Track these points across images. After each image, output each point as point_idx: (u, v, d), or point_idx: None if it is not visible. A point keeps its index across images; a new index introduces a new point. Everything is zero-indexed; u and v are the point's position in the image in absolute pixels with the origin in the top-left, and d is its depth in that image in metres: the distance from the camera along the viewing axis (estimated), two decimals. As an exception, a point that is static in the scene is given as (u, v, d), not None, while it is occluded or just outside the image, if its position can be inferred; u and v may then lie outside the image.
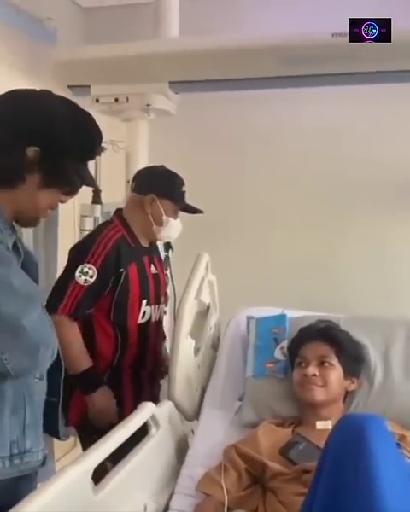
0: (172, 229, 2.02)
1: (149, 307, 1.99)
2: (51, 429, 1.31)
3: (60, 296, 1.82)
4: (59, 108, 1.17)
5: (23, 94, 1.18)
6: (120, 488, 1.33)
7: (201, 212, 2.11)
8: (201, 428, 1.81)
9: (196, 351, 1.90)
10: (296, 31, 2.34)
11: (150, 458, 1.53)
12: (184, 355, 1.79)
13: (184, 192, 2.04)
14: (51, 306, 1.70)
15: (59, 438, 1.34)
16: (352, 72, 2.33)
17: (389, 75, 2.33)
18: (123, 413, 1.93)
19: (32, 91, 1.19)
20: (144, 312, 1.98)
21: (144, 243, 2.04)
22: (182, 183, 2.04)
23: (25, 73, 2.50)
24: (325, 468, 1.06)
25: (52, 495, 1.05)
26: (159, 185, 2.00)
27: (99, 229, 1.99)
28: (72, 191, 1.22)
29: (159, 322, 2.09)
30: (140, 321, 1.97)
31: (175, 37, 2.63)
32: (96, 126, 1.22)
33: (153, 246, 2.11)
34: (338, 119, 2.91)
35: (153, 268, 2.04)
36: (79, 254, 1.88)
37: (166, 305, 2.14)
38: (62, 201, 1.24)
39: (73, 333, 1.85)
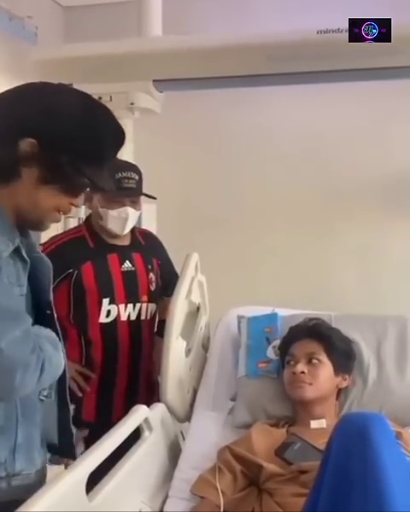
0: (112, 219, 1.92)
1: (114, 306, 1.94)
2: (67, 449, 1.28)
3: None
4: (65, 101, 1.09)
5: (29, 86, 1.10)
6: (114, 494, 1.30)
7: (149, 196, 2.00)
8: (193, 430, 1.79)
9: (188, 352, 1.88)
10: (281, 28, 2.33)
11: (144, 462, 1.51)
12: (176, 356, 1.76)
13: (120, 179, 1.90)
14: None
15: (75, 458, 1.29)
16: (338, 70, 2.33)
17: (376, 72, 2.32)
18: (82, 415, 1.94)
19: (43, 84, 1.12)
20: (109, 311, 1.94)
21: (118, 241, 1.99)
22: (116, 170, 1.90)
23: (5, 73, 2.46)
24: (329, 467, 1.05)
25: (46, 504, 1.02)
26: None
27: (58, 234, 1.99)
28: (72, 190, 1.13)
29: (138, 322, 2.01)
30: (103, 320, 1.93)
31: (158, 35, 2.61)
32: (112, 129, 1.13)
33: (135, 243, 2.06)
34: (326, 119, 2.91)
35: (127, 265, 1.99)
36: None
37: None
38: (74, 205, 1.15)
39: None
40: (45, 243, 1.92)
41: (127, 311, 1.98)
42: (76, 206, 1.17)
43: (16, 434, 1.12)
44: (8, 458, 1.11)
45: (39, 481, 1.20)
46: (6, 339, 0.99)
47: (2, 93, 1.09)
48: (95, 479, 1.27)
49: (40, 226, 1.16)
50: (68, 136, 1.07)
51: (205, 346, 2.10)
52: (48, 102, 1.07)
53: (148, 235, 2.17)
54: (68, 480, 1.11)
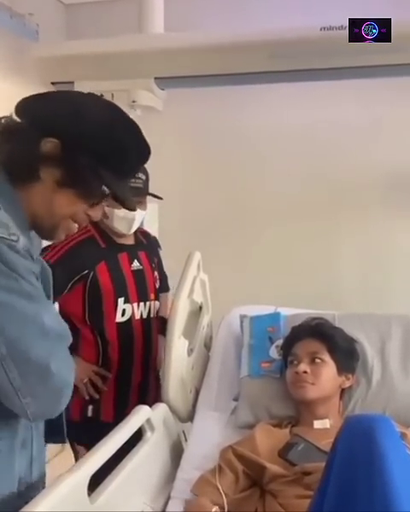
0: (119, 219, 1.92)
1: (128, 305, 1.95)
2: (57, 436, 1.23)
3: None
4: (93, 106, 1.09)
5: (62, 92, 1.15)
6: (116, 495, 1.29)
7: (153, 195, 1.99)
8: (195, 430, 1.78)
9: (190, 351, 1.86)
10: (284, 25, 2.32)
11: (146, 463, 1.50)
12: (178, 356, 1.75)
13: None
14: None
15: (64, 441, 1.27)
16: (342, 67, 2.31)
17: (379, 70, 2.31)
18: (100, 416, 1.94)
19: (74, 92, 1.16)
20: (124, 310, 1.94)
21: (124, 240, 2.00)
22: None
23: (6, 70, 2.44)
24: (335, 470, 1.04)
25: (48, 506, 1.01)
26: None
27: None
28: (89, 196, 1.10)
29: (149, 320, 2.03)
30: (119, 319, 1.94)
31: (160, 32, 2.59)
32: (137, 142, 1.11)
33: (139, 242, 2.07)
34: (329, 117, 2.89)
35: (136, 264, 2.01)
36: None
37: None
38: (90, 216, 1.13)
39: None
40: (56, 245, 1.90)
41: (140, 310, 1.99)
42: (92, 219, 1.15)
43: (32, 447, 1.10)
44: (27, 472, 1.09)
45: (42, 484, 1.18)
46: (55, 361, 0.96)
47: (31, 95, 1.10)
48: (97, 479, 1.27)
49: (53, 234, 1.12)
50: (92, 140, 1.05)
51: (207, 346, 2.09)
52: (75, 105, 1.07)
53: (147, 235, 2.20)
54: (70, 482, 1.10)
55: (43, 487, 1.16)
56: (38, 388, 0.96)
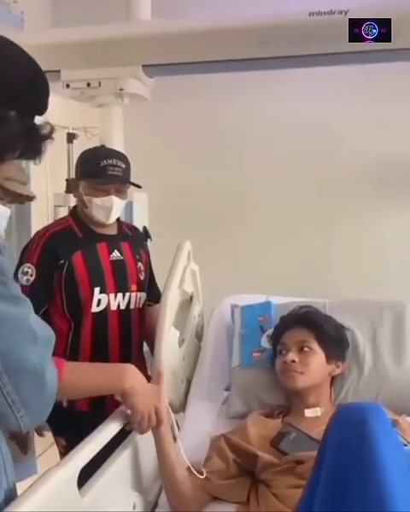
0: (97, 207, 1.89)
1: (104, 295, 1.92)
2: None
3: None
4: (13, 53, 0.89)
5: None
6: (107, 488, 1.28)
7: (135, 185, 1.97)
8: (188, 420, 1.78)
9: (181, 342, 1.85)
10: (272, 11, 2.29)
11: (137, 455, 1.49)
12: (169, 346, 1.74)
13: (105, 166, 1.86)
14: None
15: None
16: (332, 53, 2.28)
17: (370, 55, 2.27)
18: (75, 405, 1.90)
19: None
20: (99, 301, 1.91)
21: (105, 230, 1.97)
22: (102, 158, 1.88)
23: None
24: (327, 461, 1.03)
25: (37, 502, 1.00)
26: (76, 169, 1.97)
27: (43, 228, 1.98)
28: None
29: (128, 311, 1.99)
30: (94, 310, 1.91)
31: (147, 19, 2.56)
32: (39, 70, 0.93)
33: (122, 233, 2.04)
34: (320, 106, 2.88)
35: (116, 254, 1.97)
36: (20, 257, 1.88)
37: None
38: None
39: None
40: (34, 237, 1.91)
41: (117, 301, 1.95)
42: None
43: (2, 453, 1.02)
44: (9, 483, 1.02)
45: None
46: (48, 368, 0.91)
47: None
48: (89, 471, 1.25)
49: None
50: (22, 96, 0.89)
51: (199, 336, 2.08)
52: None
53: (134, 228, 2.17)
54: (60, 476, 1.09)
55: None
56: (32, 399, 0.90)
